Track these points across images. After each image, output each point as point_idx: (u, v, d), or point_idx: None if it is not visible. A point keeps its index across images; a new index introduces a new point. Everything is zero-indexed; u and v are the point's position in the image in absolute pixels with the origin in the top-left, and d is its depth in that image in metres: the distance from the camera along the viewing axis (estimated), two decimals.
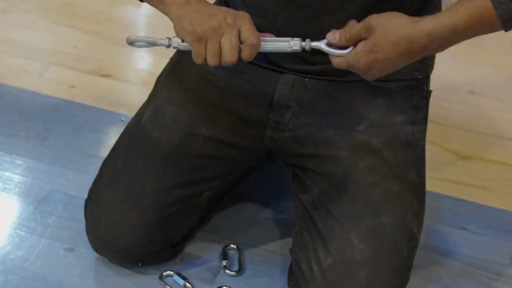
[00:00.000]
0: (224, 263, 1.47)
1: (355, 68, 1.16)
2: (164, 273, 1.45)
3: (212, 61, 1.15)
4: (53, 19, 2.15)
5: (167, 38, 1.18)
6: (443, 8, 1.24)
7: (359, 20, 1.15)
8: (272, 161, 1.53)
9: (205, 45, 1.14)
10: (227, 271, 1.47)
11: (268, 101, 1.33)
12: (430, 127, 1.41)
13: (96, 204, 1.40)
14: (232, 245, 1.51)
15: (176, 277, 1.44)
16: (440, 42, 1.13)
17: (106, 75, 1.96)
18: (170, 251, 1.47)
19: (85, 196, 1.45)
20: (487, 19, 1.11)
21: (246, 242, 1.52)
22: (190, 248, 1.51)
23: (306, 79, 1.31)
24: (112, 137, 1.74)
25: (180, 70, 1.40)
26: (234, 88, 1.35)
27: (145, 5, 1.28)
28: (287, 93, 1.32)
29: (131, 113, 1.50)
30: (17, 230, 1.53)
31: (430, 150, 1.51)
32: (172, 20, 1.18)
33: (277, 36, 1.18)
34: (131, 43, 1.20)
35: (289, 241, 1.40)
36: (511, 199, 1.66)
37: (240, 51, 1.14)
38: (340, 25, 1.17)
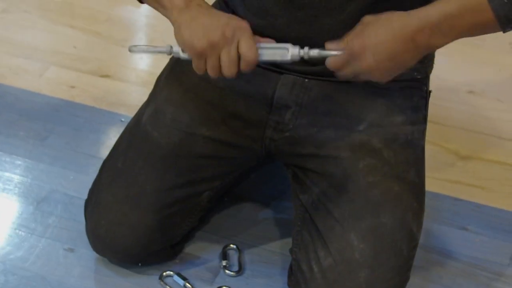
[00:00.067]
0: (224, 263, 1.47)
1: (352, 56, 1.14)
2: (164, 273, 1.45)
3: (212, 74, 1.17)
4: (53, 19, 2.15)
5: (168, 45, 1.19)
6: None
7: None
8: (272, 161, 1.52)
9: (205, 60, 1.16)
10: (227, 271, 1.47)
11: (268, 101, 1.33)
12: (429, 127, 1.41)
13: (96, 205, 1.40)
14: (232, 245, 1.51)
15: (176, 277, 1.44)
16: (432, 27, 1.11)
17: (106, 75, 1.96)
18: (170, 251, 1.47)
19: (85, 196, 1.45)
20: (479, 11, 1.10)
21: (246, 242, 1.52)
22: (190, 248, 1.51)
23: (306, 80, 1.31)
24: (112, 137, 1.73)
25: (180, 70, 1.40)
26: (234, 88, 1.35)
27: (145, 5, 1.28)
28: (287, 93, 1.32)
29: (131, 113, 1.50)
30: (17, 231, 1.53)
31: (430, 150, 1.51)
32: (173, 25, 1.19)
33: (277, 36, 1.18)
34: (132, 51, 1.21)
35: (289, 241, 1.40)
36: (511, 199, 1.66)
37: (240, 63, 1.15)
38: (340, 25, 1.17)
